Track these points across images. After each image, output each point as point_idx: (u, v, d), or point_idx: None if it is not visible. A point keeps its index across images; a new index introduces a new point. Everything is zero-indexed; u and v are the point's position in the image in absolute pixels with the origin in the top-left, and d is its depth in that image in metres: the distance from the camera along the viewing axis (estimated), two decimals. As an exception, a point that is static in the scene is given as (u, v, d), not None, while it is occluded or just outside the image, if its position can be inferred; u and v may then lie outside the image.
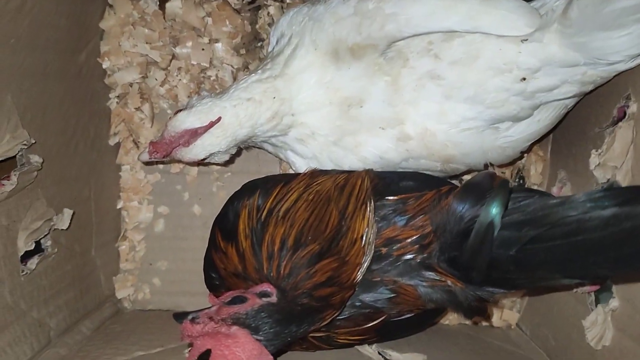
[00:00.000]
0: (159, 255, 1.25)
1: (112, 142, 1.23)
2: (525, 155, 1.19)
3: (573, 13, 0.79)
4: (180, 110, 0.95)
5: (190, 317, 0.76)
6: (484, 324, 1.24)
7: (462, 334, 1.17)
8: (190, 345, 0.75)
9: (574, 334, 0.98)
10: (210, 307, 0.78)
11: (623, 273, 0.84)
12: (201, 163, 0.99)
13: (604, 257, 0.70)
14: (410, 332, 1.06)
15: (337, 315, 0.85)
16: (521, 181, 1.22)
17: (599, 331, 0.90)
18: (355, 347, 1.00)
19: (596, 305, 0.92)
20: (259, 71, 0.97)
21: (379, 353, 1.00)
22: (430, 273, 0.86)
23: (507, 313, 1.23)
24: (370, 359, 1.00)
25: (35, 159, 0.93)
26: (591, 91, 0.92)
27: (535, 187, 1.20)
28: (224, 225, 0.92)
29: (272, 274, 0.81)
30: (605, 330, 0.90)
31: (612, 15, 0.76)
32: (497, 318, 1.24)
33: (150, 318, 1.19)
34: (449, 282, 0.85)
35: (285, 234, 0.82)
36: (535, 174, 1.21)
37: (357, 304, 0.88)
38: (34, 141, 0.91)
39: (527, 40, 0.85)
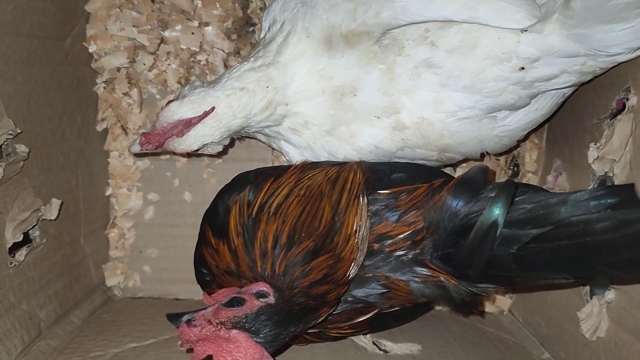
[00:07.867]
0: (149, 242, 1.24)
1: (99, 128, 1.20)
2: (521, 143, 1.18)
3: (575, 4, 0.78)
4: (172, 101, 0.93)
5: (185, 319, 0.75)
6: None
7: (455, 321, 1.17)
8: (190, 350, 0.74)
9: (567, 323, 0.99)
10: (205, 308, 0.77)
11: (636, 274, 0.83)
12: (193, 154, 0.97)
13: (615, 258, 0.69)
14: (402, 322, 1.06)
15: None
16: (516, 169, 1.21)
17: (594, 323, 0.90)
18: (350, 337, 1.00)
19: (591, 297, 0.92)
20: (252, 59, 0.95)
21: (374, 343, 1.00)
22: (422, 269, 0.85)
23: (499, 299, 1.24)
24: (365, 349, 1.00)
25: (22, 148, 0.91)
26: (589, 81, 0.91)
27: (529, 175, 1.20)
28: (214, 221, 0.90)
29: (266, 273, 0.80)
30: (600, 322, 0.90)
31: (616, 8, 0.74)
32: (489, 304, 1.24)
33: (141, 306, 1.18)
34: (442, 278, 0.84)
35: (277, 231, 0.81)
36: (530, 161, 1.20)
37: (350, 299, 0.88)
38: (19, 131, 0.89)
39: (526, 30, 0.83)
